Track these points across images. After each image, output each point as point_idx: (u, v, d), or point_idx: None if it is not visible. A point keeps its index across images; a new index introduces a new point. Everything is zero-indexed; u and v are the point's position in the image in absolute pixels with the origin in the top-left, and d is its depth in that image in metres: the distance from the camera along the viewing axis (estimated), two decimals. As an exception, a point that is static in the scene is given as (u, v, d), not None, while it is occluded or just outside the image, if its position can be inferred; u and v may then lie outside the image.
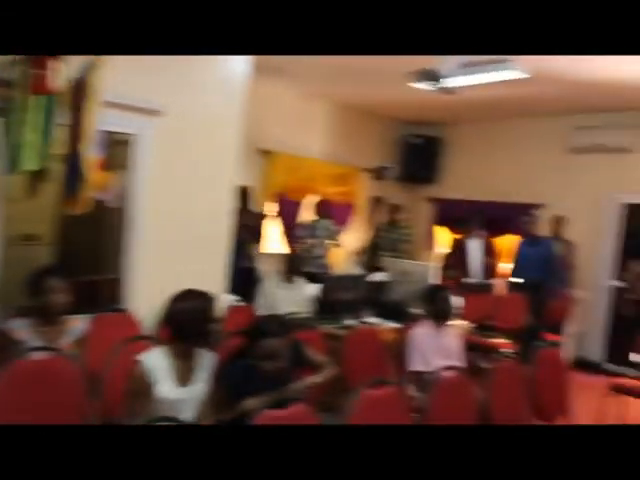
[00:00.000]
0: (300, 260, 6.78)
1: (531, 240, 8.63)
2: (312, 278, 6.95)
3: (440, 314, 5.30)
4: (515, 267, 8.72)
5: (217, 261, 5.84)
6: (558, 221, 8.88)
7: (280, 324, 3.75)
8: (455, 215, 10.44)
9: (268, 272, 6.97)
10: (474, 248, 8.99)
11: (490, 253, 9.04)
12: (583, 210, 9.26)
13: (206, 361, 3.67)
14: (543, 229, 8.96)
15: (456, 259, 9.14)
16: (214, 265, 5.82)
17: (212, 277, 5.76)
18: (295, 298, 6.44)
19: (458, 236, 9.59)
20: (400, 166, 10.91)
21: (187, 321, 3.53)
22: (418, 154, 10.90)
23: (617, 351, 8.84)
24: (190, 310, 3.54)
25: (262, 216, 8.72)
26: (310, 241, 8.69)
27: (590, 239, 9.17)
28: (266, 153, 8.99)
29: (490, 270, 8.97)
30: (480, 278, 8.84)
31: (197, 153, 5.60)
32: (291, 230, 9.19)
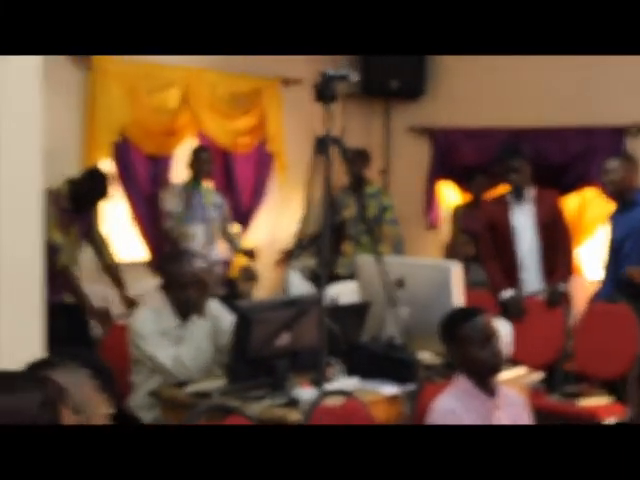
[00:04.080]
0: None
1: (630, 203, 4.89)
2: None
3: (480, 363, 2.96)
4: (610, 255, 5.00)
5: (28, 298, 3.47)
6: None
7: None
8: (471, 159, 6.47)
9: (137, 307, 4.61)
10: (523, 223, 5.11)
11: (559, 231, 5.10)
12: None
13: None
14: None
15: (487, 247, 5.25)
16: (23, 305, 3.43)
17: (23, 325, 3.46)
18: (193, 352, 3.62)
19: (486, 200, 5.74)
20: (362, 72, 6.20)
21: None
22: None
23: None
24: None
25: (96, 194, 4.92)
26: (177, 230, 5.30)
27: None
28: (88, 62, 5.17)
29: (561, 264, 5.03)
30: (539, 282, 5.04)
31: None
32: (148, 214, 5.50)
